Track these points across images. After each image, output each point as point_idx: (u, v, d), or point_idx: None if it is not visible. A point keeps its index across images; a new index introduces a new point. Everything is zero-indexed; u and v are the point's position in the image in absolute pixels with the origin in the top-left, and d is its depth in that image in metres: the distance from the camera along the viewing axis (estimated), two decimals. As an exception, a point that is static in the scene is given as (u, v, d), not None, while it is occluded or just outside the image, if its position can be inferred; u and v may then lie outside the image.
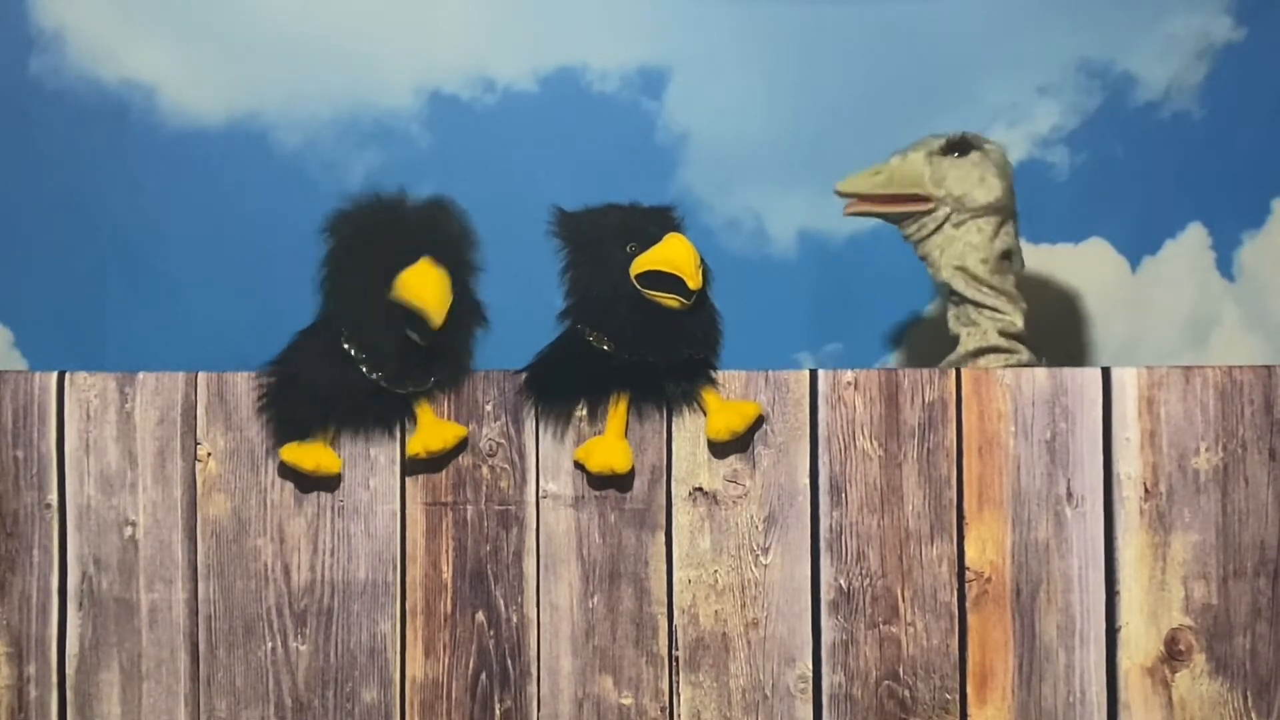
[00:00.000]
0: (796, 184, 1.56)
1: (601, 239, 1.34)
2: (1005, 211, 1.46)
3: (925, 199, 1.45)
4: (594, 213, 1.36)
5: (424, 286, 1.29)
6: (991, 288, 1.45)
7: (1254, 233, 1.73)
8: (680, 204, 1.39)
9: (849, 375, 1.36)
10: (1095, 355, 1.72)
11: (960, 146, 1.46)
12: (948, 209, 1.45)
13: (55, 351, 1.72)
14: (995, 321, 1.45)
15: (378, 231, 1.33)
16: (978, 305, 1.45)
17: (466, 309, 1.35)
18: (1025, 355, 1.44)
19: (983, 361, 1.44)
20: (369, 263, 1.32)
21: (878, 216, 1.48)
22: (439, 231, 1.34)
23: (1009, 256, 1.46)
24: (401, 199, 1.35)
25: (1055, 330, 1.74)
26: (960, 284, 1.45)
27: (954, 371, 1.35)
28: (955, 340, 1.47)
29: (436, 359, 1.34)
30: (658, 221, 1.34)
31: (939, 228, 1.45)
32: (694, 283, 1.30)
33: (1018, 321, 1.45)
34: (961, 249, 1.45)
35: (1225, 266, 1.73)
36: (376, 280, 1.31)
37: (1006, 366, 1.42)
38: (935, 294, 1.51)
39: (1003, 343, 1.44)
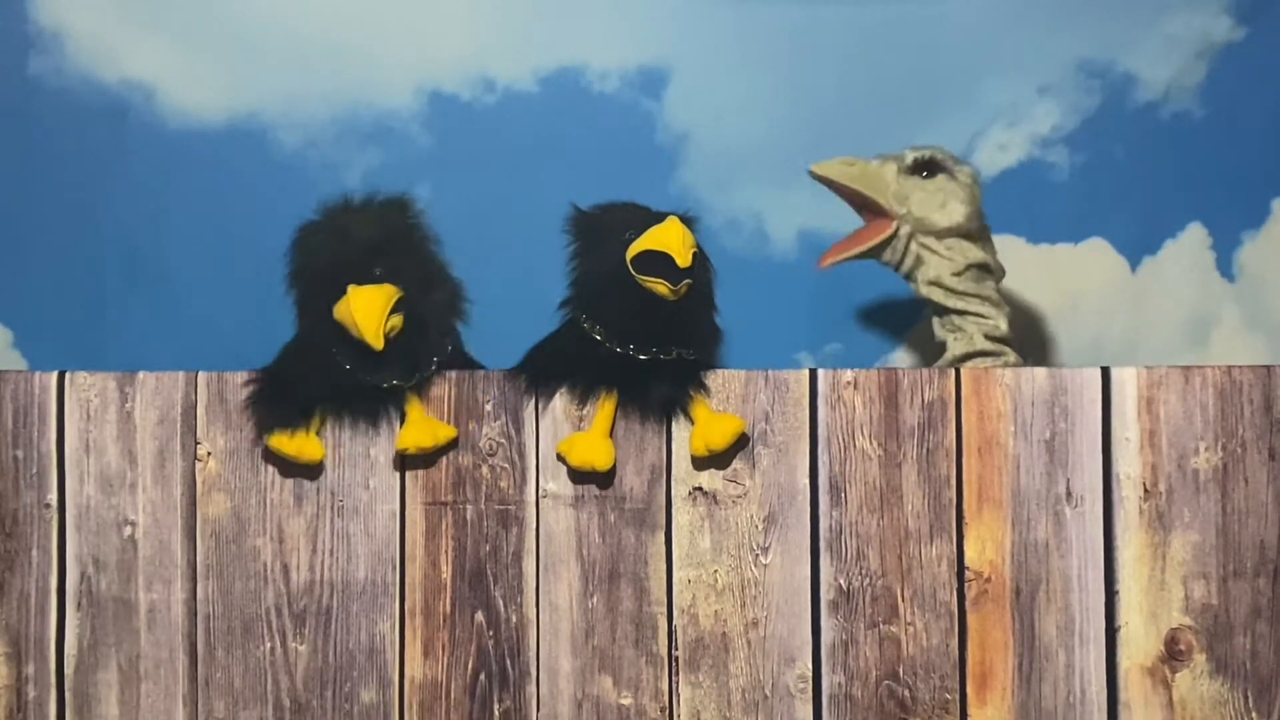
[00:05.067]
0: (796, 184, 1.56)
1: (604, 230, 1.35)
2: (971, 233, 1.47)
3: (885, 215, 1.47)
4: (606, 208, 1.37)
5: (355, 313, 1.30)
6: (971, 296, 1.45)
7: (1254, 233, 1.73)
8: (680, 204, 1.39)
9: (849, 375, 1.36)
10: (1095, 355, 1.72)
11: (928, 167, 1.47)
12: (909, 228, 1.46)
13: (55, 351, 1.72)
14: (980, 326, 1.45)
15: (332, 238, 1.34)
16: (961, 314, 1.46)
17: (437, 303, 1.36)
18: (1012, 357, 1.45)
19: (970, 365, 1.44)
20: (326, 269, 1.33)
21: (862, 256, 1.50)
22: (389, 232, 1.35)
23: (984, 267, 1.47)
24: (361, 203, 1.36)
25: (1055, 330, 1.74)
26: (939, 297, 1.46)
27: (954, 371, 1.35)
28: (944, 345, 1.48)
29: (416, 355, 1.34)
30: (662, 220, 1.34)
31: (906, 248, 1.47)
32: (682, 260, 1.30)
33: (1002, 325, 1.45)
34: (934, 269, 1.46)
35: (1225, 266, 1.72)
36: (334, 285, 1.32)
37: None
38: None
39: (989, 346, 1.45)
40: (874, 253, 1.49)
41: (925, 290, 1.47)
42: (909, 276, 1.49)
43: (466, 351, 1.43)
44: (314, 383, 1.35)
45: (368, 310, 1.30)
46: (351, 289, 1.31)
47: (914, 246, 1.47)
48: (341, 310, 1.31)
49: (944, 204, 1.46)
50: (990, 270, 1.47)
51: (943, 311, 1.47)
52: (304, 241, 1.36)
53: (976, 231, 1.47)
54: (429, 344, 1.36)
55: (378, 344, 1.30)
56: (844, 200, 1.51)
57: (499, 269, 1.39)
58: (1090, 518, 1.33)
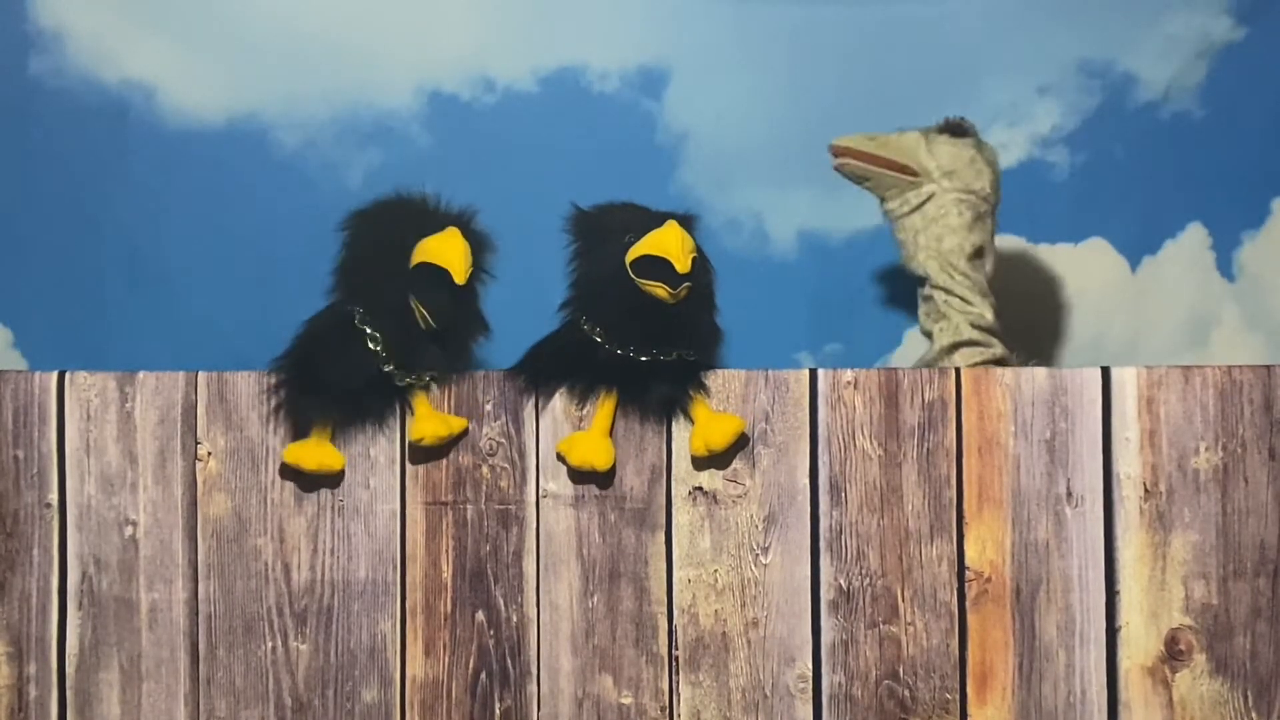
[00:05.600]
0: (796, 184, 1.57)
1: (605, 231, 1.35)
2: (988, 203, 1.47)
3: (914, 172, 1.47)
4: (606, 208, 1.37)
5: (448, 248, 1.31)
6: (964, 275, 1.45)
7: (1254, 233, 1.73)
8: (680, 204, 1.39)
9: (849, 375, 1.36)
10: (1095, 355, 1.72)
11: (958, 128, 1.47)
12: (933, 187, 1.46)
13: (55, 351, 1.72)
14: (965, 314, 1.45)
15: (406, 222, 1.34)
16: (947, 294, 1.45)
17: (473, 314, 1.36)
18: (999, 349, 1.45)
19: (958, 356, 1.44)
20: (392, 249, 1.33)
21: (864, 178, 1.49)
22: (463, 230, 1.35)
23: (982, 254, 1.47)
24: (432, 201, 1.36)
25: (1055, 330, 1.74)
26: (934, 268, 1.46)
27: (954, 371, 1.35)
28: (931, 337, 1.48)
29: (441, 350, 1.34)
30: (664, 221, 1.34)
31: (921, 205, 1.46)
32: (681, 266, 1.29)
33: (987, 315, 1.45)
34: (939, 230, 1.46)
35: (1225, 266, 1.73)
36: (396, 265, 1.32)
37: (983, 361, 1.43)
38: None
39: (976, 335, 1.45)
40: (885, 185, 1.48)
41: (922, 259, 1.46)
42: (903, 243, 1.48)
43: None
44: (335, 369, 1.34)
45: (462, 248, 1.31)
46: (451, 228, 1.32)
47: (929, 207, 1.46)
48: (435, 242, 1.31)
49: (973, 160, 1.46)
50: (985, 261, 1.47)
51: (930, 295, 1.47)
52: (378, 216, 1.36)
53: (993, 209, 1.47)
54: (460, 349, 1.36)
55: (463, 277, 1.30)
56: (866, 186, 1.49)
57: (498, 269, 1.39)
58: (1090, 518, 1.33)
